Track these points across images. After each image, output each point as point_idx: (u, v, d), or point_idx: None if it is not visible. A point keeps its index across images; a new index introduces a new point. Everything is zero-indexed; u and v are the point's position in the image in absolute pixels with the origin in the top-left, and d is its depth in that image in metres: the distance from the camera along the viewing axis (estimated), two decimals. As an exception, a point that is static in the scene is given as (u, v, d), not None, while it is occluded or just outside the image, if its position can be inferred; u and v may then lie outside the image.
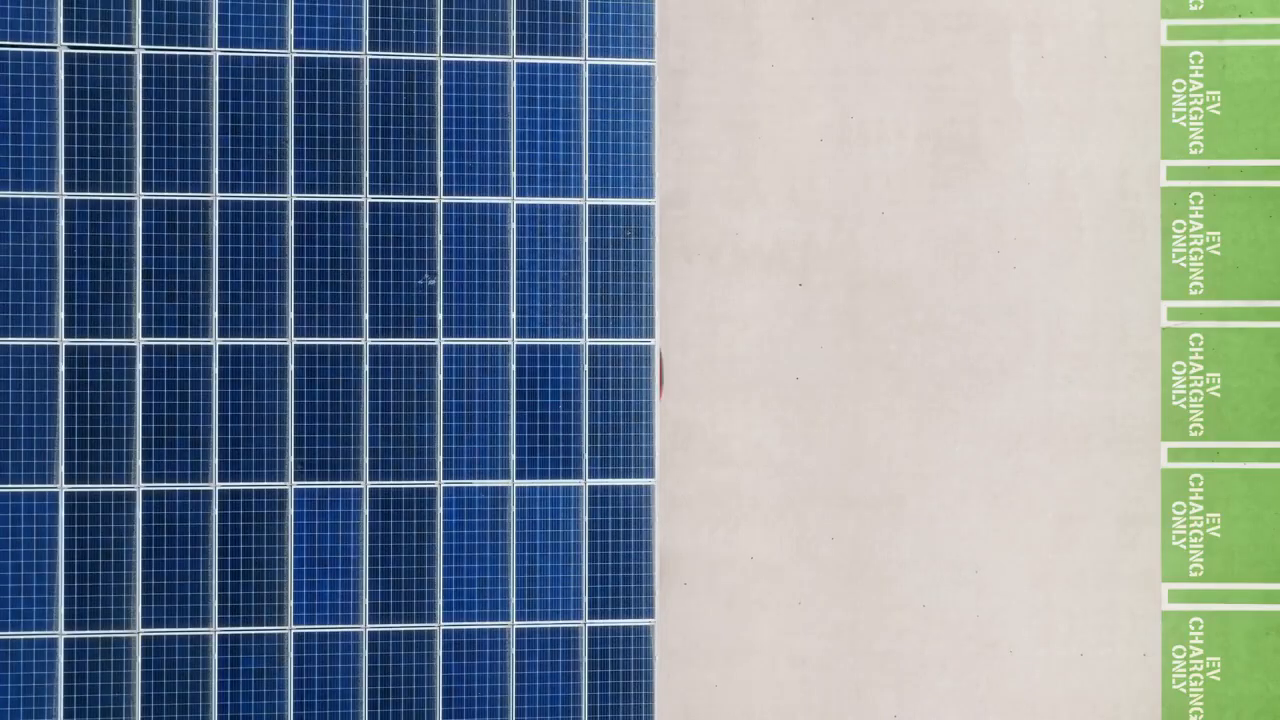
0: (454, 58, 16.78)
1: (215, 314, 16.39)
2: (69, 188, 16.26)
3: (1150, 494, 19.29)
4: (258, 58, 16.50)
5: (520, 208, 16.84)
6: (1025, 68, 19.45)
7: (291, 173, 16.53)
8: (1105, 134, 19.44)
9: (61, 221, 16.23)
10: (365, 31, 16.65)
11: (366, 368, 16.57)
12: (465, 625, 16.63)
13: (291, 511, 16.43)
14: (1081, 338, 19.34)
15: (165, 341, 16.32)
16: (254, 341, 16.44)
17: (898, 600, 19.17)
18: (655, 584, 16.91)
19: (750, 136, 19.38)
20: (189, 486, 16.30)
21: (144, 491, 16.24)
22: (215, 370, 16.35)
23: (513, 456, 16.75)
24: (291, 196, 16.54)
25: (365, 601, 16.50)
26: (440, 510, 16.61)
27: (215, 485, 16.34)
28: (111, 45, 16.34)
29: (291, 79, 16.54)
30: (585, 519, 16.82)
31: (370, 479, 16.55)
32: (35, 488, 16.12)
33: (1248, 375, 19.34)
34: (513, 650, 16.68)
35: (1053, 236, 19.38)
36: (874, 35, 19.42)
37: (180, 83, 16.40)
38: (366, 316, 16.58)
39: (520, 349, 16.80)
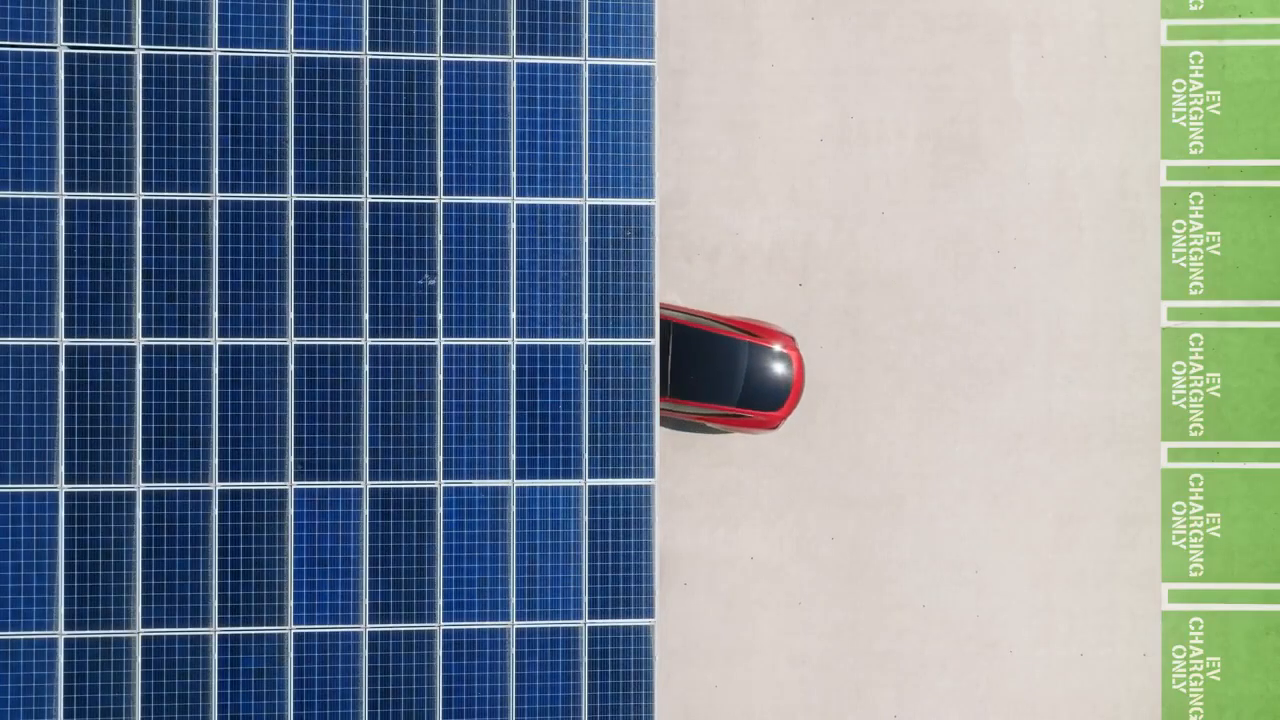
0: (454, 58, 16.78)
1: (215, 314, 16.39)
2: (69, 188, 16.25)
3: (1150, 494, 19.29)
4: (258, 58, 16.50)
5: (520, 208, 16.84)
6: (1025, 68, 19.45)
7: (291, 173, 16.53)
8: (1105, 134, 19.44)
9: (61, 221, 16.23)
10: (365, 31, 16.65)
11: (366, 368, 16.57)
12: (465, 625, 16.63)
13: (291, 511, 16.43)
14: (1081, 338, 19.34)
15: (165, 341, 16.32)
16: (254, 341, 16.44)
17: (898, 600, 19.17)
18: (655, 584, 16.90)
19: (750, 136, 19.38)
20: (189, 486, 16.30)
21: (144, 491, 16.24)
22: (215, 370, 16.36)
23: (513, 456, 16.75)
24: (291, 196, 16.54)
25: (365, 601, 16.50)
26: (440, 510, 16.61)
27: (215, 485, 16.34)
28: (111, 45, 16.34)
29: (291, 79, 16.54)
30: (585, 519, 16.82)
31: (370, 479, 16.55)
32: (35, 488, 16.12)
33: (1248, 375, 19.34)
34: (513, 650, 16.68)
35: (1053, 236, 19.38)
36: (874, 35, 19.42)
37: (180, 83, 16.40)
38: (366, 316, 16.59)
39: (520, 349, 16.80)
